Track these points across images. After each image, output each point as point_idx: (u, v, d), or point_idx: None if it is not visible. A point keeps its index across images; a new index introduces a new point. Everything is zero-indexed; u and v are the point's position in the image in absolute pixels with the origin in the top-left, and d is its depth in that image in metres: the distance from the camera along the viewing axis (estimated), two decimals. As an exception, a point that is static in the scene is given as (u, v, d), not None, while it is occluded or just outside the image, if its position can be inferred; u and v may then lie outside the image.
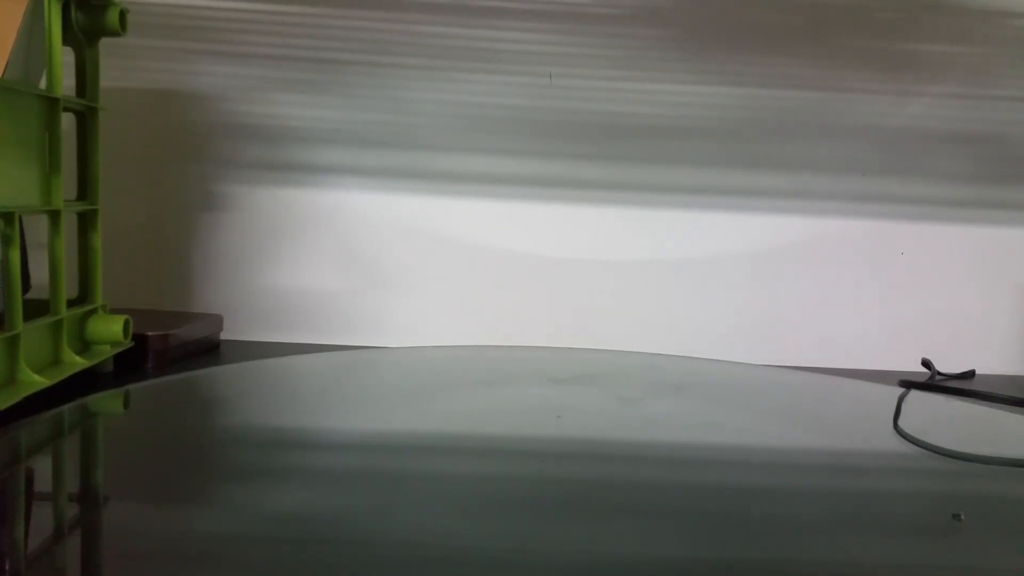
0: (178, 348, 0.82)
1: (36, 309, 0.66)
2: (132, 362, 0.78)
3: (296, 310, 0.97)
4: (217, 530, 0.31)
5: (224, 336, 0.94)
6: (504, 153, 0.97)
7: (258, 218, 0.97)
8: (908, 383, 0.71)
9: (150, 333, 0.79)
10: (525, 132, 0.96)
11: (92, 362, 0.70)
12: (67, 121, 0.70)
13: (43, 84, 0.68)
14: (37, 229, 0.73)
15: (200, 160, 0.96)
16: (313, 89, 0.95)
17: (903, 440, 0.47)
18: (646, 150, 0.97)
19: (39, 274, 0.69)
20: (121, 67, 0.92)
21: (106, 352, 0.74)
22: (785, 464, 0.43)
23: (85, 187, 0.75)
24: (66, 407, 0.45)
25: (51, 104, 0.66)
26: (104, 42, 0.75)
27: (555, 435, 0.47)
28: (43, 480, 0.36)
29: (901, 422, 0.51)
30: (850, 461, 0.44)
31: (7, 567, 0.27)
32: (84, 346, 0.73)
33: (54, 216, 0.68)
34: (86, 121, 0.74)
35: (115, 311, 0.77)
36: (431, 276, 0.98)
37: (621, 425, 0.50)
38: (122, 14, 0.72)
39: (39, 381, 0.61)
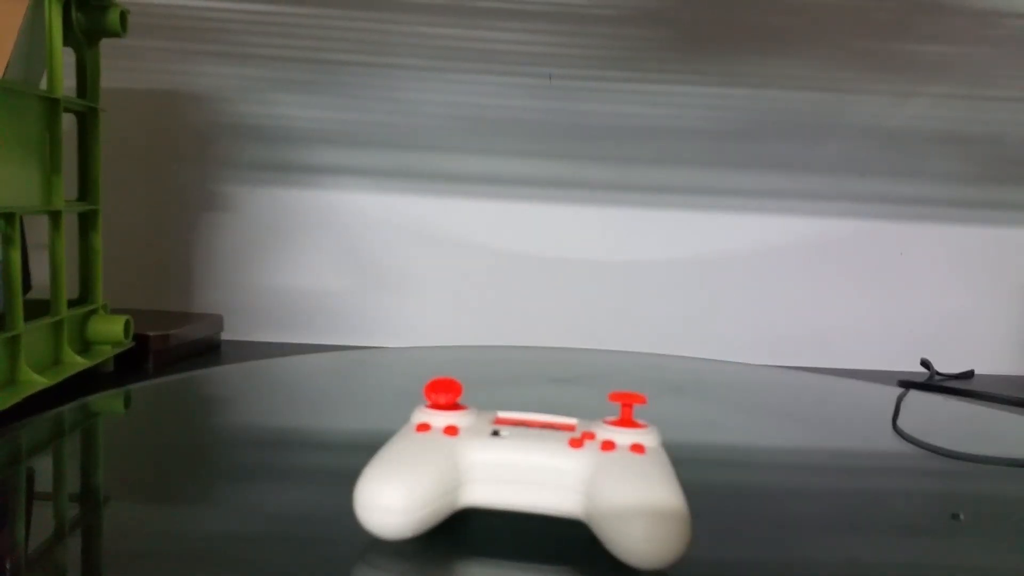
0: (178, 348, 0.82)
1: (37, 309, 0.66)
2: (133, 362, 0.78)
3: (296, 310, 0.97)
4: (217, 530, 0.31)
5: (224, 336, 0.94)
6: (504, 153, 0.97)
7: (258, 218, 0.97)
8: (907, 383, 0.71)
9: (151, 333, 0.79)
10: (525, 132, 0.96)
11: (93, 362, 0.70)
12: (68, 122, 0.70)
13: (43, 85, 0.68)
14: (38, 229, 0.73)
15: (200, 160, 0.96)
16: (313, 89, 0.95)
17: (902, 440, 0.47)
18: (646, 150, 0.97)
19: (40, 274, 0.69)
20: (122, 68, 0.92)
21: (107, 352, 0.74)
22: (785, 464, 0.43)
23: (86, 187, 0.75)
24: (66, 407, 0.45)
25: (52, 105, 0.66)
26: (105, 43, 0.75)
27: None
28: (43, 480, 0.36)
29: (900, 422, 0.51)
30: (849, 461, 0.44)
31: (7, 567, 0.27)
32: (85, 346, 0.73)
33: (55, 216, 0.68)
34: (87, 122, 0.75)
35: (116, 311, 0.77)
36: (431, 276, 0.99)
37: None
38: (123, 15, 0.73)
39: (40, 381, 0.61)
